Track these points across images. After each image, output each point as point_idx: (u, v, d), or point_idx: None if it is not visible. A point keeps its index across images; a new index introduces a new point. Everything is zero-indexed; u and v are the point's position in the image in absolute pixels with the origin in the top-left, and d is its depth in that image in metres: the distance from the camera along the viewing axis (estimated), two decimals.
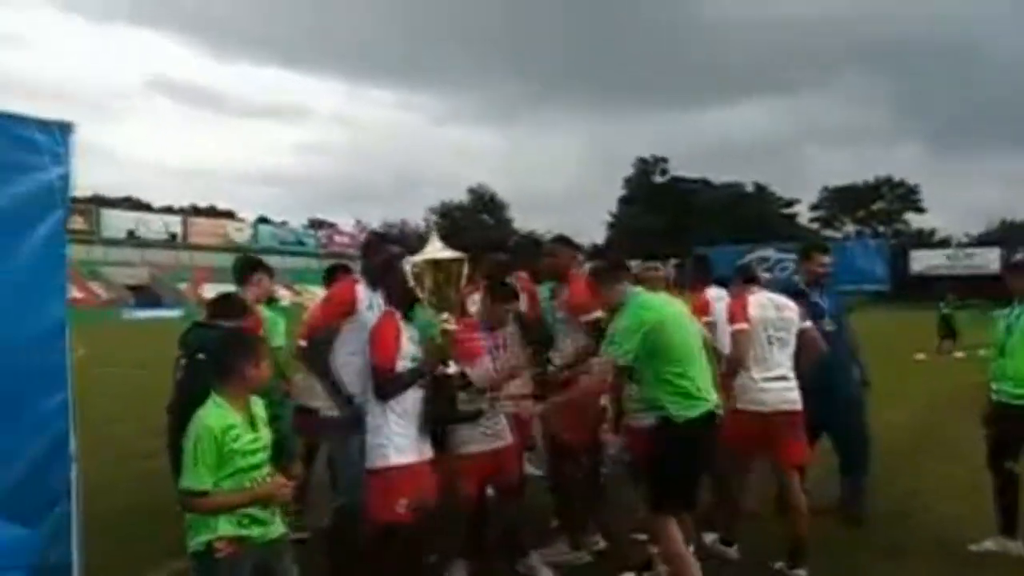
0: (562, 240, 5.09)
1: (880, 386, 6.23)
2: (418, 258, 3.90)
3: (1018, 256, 5.10)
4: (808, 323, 4.96)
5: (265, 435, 3.08)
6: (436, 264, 3.86)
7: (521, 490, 4.58)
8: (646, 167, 76.78)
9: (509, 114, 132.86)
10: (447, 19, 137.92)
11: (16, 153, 3.25)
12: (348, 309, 4.17)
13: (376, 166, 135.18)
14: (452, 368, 3.95)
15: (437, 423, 4.08)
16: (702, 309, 5.04)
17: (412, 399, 3.90)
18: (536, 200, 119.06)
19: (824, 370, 5.03)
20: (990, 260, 48.62)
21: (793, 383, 4.67)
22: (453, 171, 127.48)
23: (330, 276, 5.40)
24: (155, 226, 62.48)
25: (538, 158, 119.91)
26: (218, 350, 3.19)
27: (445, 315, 3.90)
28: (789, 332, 4.74)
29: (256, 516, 2.99)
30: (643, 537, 4.54)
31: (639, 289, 4.24)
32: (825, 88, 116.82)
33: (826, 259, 5.69)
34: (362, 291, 4.22)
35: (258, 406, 3.15)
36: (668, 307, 4.11)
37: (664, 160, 76.36)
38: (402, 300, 4.01)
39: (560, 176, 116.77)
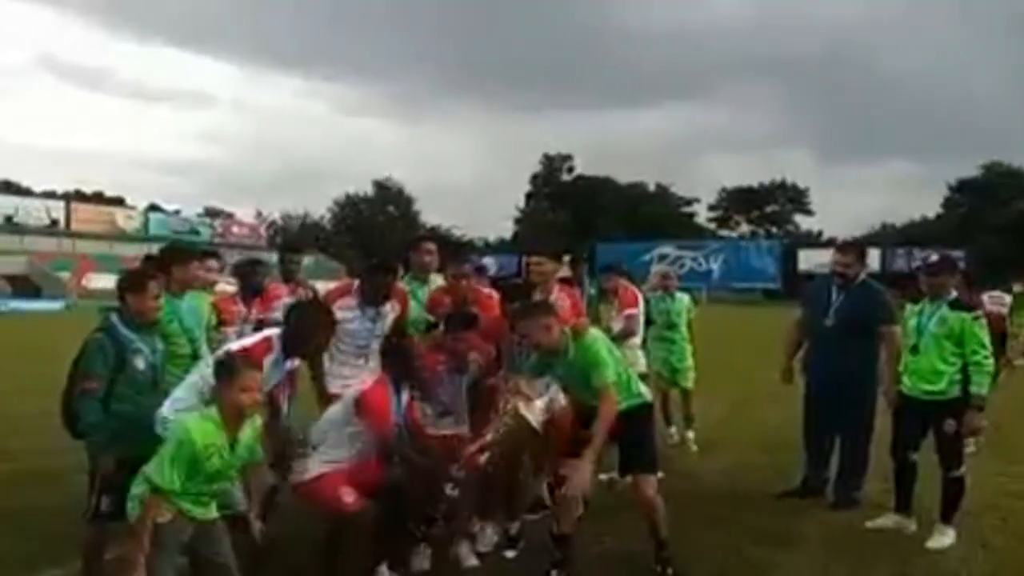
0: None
1: (768, 384, 6.41)
2: None
3: (932, 257, 5.35)
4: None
5: (239, 460, 3.31)
6: None
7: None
8: (552, 164, 77.51)
9: (417, 107, 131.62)
10: (356, 5, 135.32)
11: None
12: None
13: (278, 155, 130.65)
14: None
15: None
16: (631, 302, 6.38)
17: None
18: (443, 194, 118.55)
19: (828, 369, 5.69)
20: (871, 259, 51.41)
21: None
22: (359, 163, 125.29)
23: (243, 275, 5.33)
24: (35, 211, 58.48)
25: (445, 152, 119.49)
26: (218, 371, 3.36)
27: None
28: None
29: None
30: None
31: None
32: (727, 95, 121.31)
33: (841, 258, 5.72)
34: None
35: (249, 429, 3.33)
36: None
37: (570, 158, 77.39)
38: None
39: (467, 171, 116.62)
